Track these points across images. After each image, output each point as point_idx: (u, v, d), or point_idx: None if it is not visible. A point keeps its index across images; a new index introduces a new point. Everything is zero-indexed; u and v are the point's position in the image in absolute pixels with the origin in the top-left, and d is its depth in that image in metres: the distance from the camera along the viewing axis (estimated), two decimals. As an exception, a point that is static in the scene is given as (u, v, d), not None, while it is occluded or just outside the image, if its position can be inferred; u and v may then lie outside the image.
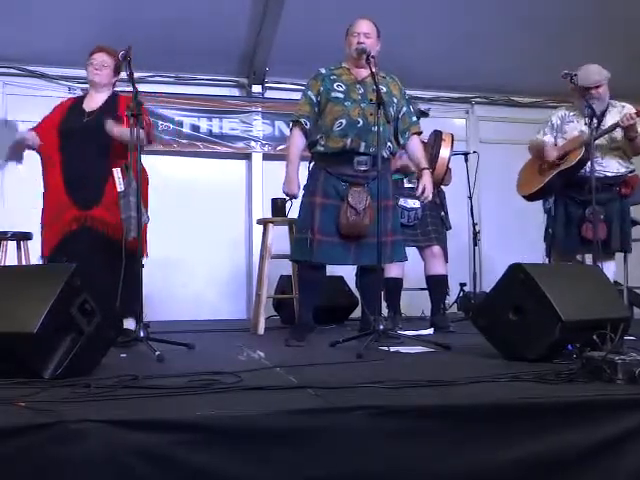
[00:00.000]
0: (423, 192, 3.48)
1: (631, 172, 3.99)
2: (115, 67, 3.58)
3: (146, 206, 3.38)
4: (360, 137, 3.39)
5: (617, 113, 3.88)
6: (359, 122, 3.39)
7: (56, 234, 3.39)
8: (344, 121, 3.40)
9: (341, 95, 3.45)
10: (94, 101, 3.55)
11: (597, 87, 3.90)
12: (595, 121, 3.69)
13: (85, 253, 3.21)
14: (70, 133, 3.45)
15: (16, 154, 3.53)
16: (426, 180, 3.51)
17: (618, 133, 3.89)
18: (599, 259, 3.65)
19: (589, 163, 3.77)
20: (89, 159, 3.39)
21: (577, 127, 3.99)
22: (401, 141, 3.62)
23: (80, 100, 3.65)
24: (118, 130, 3.34)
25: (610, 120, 3.87)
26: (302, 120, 3.53)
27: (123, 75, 3.44)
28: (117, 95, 3.61)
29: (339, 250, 3.42)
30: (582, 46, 4.10)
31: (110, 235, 3.33)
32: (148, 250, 3.46)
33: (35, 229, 4.39)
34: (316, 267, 3.46)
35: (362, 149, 3.40)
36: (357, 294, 4.91)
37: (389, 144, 3.49)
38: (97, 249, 3.30)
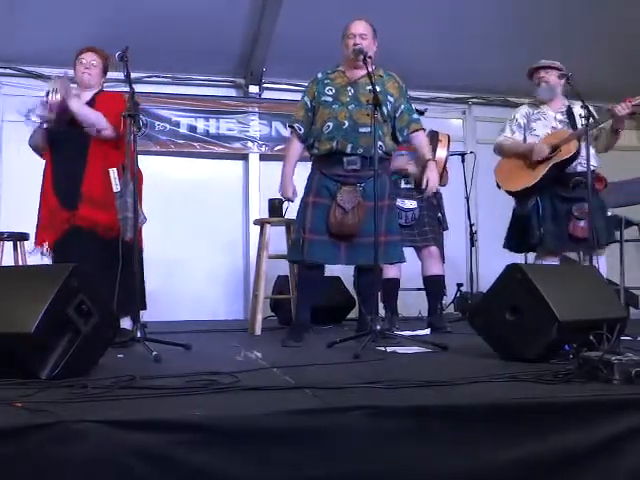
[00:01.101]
0: (428, 184, 3.48)
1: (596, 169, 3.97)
2: (103, 67, 3.59)
3: (141, 206, 3.39)
4: (347, 139, 3.41)
5: (580, 110, 3.82)
6: (345, 124, 3.41)
7: (52, 234, 3.44)
8: (331, 124, 3.45)
9: (330, 98, 3.50)
10: (83, 98, 3.53)
11: (544, 68, 3.96)
12: (565, 118, 3.72)
13: (79, 253, 3.22)
14: (56, 135, 3.48)
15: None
16: (431, 172, 3.52)
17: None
18: (593, 255, 3.64)
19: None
20: (71, 159, 3.42)
21: (548, 124, 3.98)
22: (400, 138, 3.62)
23: None
24: (76, 104, 3.35)
25: (576, 117, 3.85)
26: (296, 125, 3.62)
27: (120, 75, 3.43)
28: (101, 91, 3.60)
29: (329, 249, 3.43)
30: (579, 47, 4.11)
31: (100, 234, 3.34)
32: (143, 246, 3.51)
33: (32, 230, 4.40)
34: (311, 267, 3.47)
35: (349, 150, 3.41)
36: (354, 294, 4.93)
37: (380, 144, 3.43)
38: (90, 249, 3.31)
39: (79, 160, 3.41)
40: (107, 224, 3.31)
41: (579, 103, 3.90)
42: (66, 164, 3.44)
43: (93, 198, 3.36)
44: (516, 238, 4.13)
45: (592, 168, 3.85)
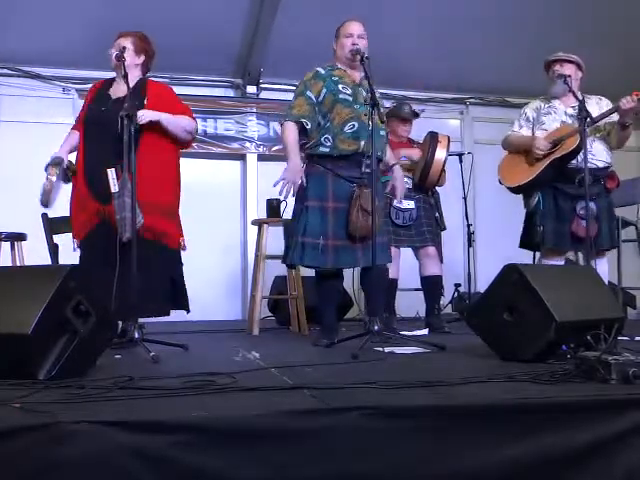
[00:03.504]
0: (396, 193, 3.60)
1: (610, 166, 3.91)
2: (136, 47, 3.43)
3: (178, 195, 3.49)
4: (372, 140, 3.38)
5: (595, 104, 3.81)
6: (369, 125, 3.37)
7: (84, 225, 3.32)
8: (356, 124, 3.37)
9: (350, 97, 3.41)
10: (120, 88, 3.31)
11: (560, 62, 3.91)
12: (576, 113, 3.65)
13: (108, 248, 3.10)
14: (91, 121, 3.36)
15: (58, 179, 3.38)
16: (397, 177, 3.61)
17: (600, 123, 3.80)
18: (591, 257, 3.59)
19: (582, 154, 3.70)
20: (107, 151, 3.20)
21: (557, 118, 3.91)
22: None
23: (108, 83, 3.48)
24: (164, 116, 3.30)
25: (590, 111, 3.68)
26: (303, 121, 3.41)
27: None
28: (146, 80, 3.46)
29: (349, 253, 3.40)
30: (577, 47, 4.11)
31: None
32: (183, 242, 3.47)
33: (29, 230, 4.39)
34: (334, 273, 3.48)
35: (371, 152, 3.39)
36: (351, 294, 4.94)
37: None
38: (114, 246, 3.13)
39: (115, 155, 3.12)
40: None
41: (594, 98, 3.89)
42: (99, 156, 3.25)
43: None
44: (526, 236, 4.04)
45: (604, 165, 3.84)
